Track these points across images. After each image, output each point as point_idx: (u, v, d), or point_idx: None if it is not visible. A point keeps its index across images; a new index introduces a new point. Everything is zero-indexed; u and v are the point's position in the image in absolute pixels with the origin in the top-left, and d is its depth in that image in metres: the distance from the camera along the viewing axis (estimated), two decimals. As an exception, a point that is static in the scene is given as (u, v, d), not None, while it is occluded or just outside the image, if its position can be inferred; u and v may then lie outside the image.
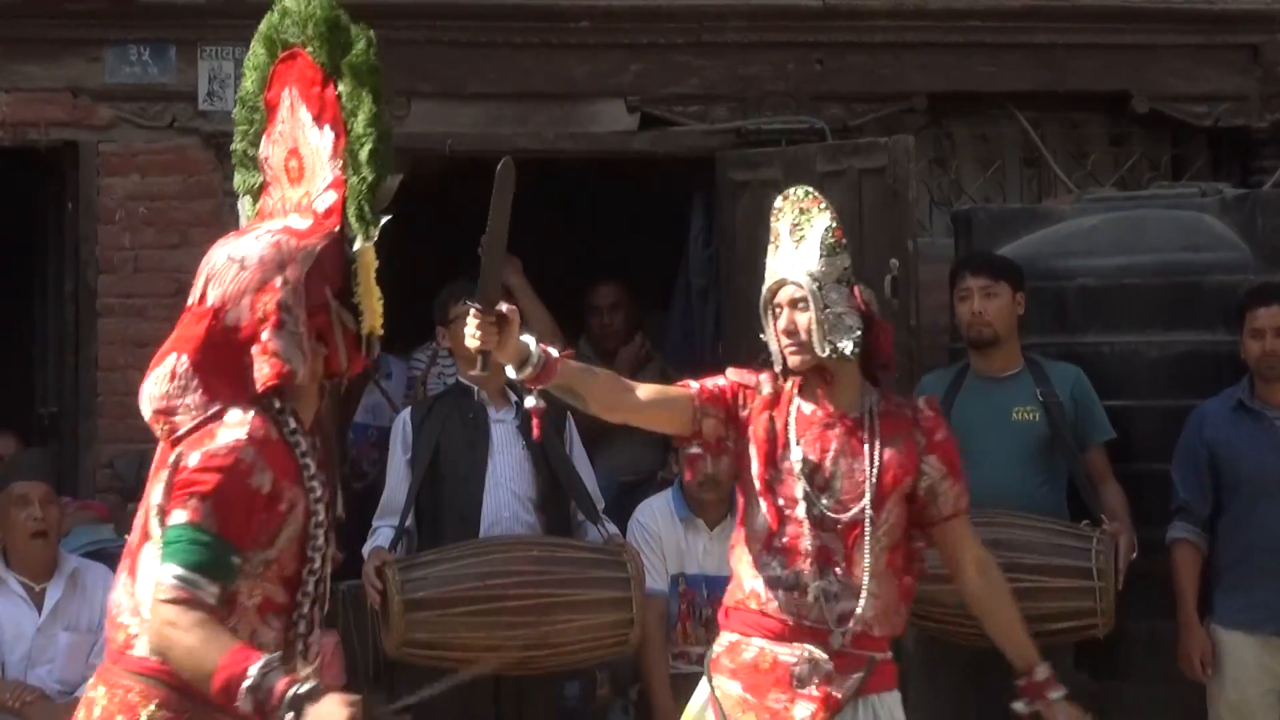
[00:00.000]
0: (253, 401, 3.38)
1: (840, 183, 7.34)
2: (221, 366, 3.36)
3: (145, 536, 3.43)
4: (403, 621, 6.15)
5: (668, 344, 8.29)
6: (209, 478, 3.29)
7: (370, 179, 3.47)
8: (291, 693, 3.22)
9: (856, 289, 4.66)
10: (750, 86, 8.10)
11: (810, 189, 4.74)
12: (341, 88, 3.50)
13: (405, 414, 6.63)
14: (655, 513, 6.66)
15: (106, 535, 6.80)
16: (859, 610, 4.59)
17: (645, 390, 4.80)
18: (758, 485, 4.70)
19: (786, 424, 4.75)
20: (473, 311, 4.11)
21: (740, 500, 4.87)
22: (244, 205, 3.77)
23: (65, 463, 7.52)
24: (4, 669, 6.14)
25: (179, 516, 3.30)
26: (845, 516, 4.65)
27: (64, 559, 6.28)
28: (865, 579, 4.64)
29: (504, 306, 4.18)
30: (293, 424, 3.40)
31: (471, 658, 6.06)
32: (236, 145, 3.70)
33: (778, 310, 4.64)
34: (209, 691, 3.21)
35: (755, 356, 7.47)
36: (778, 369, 4.70)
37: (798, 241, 4.68)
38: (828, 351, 4.56)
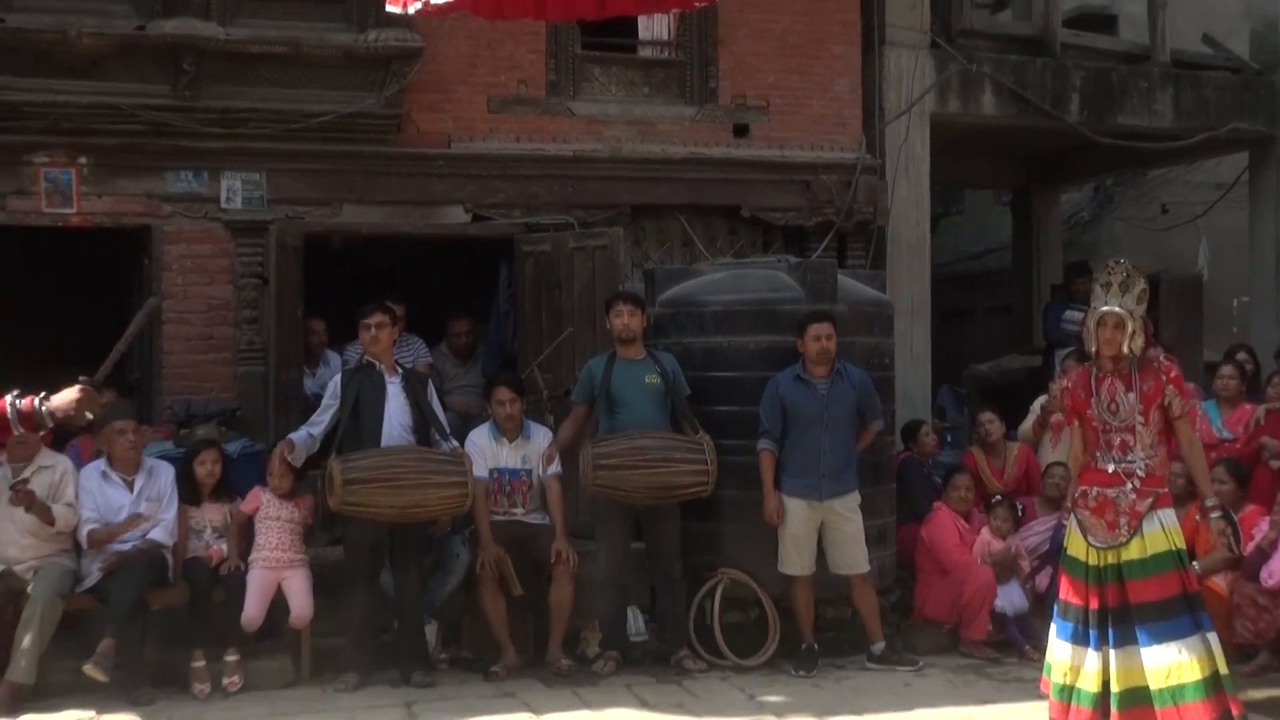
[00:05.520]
0: None
1: (584, 256, 9.03)
2: None
3: None
4: (342, 490, 7.28)
5: (487, 343, 9.89)
6: None
7: None
8: (40, 396, 3.63)
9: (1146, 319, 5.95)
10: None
11: (1124, 261, 6.03)
12: None
13: (336, 378, 7.89)
14: (479, 434, 8.04)
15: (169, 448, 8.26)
16: (1144, 466, 5.95)
17: None
18: (1083, 419, 6.14)
19: (1092, 386, 6.09)
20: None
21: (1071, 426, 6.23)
22: None
23: (143, 406, 9.01)
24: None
25: None
26: (1127, 423, 5.96)
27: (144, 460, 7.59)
28: (1143, 451, 6.01)
29: None
30: None
31: (380, 511, 7.23)
32: None
33: (1101, 328, 5.95)
34: None
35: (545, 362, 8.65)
36: (1091, 354, 6.11)
37: (1122, 290, 5.95)
38: (1127, 350, 5.95)
